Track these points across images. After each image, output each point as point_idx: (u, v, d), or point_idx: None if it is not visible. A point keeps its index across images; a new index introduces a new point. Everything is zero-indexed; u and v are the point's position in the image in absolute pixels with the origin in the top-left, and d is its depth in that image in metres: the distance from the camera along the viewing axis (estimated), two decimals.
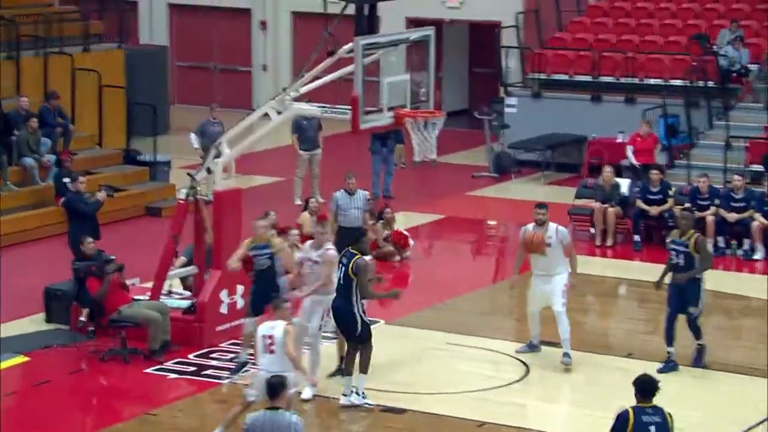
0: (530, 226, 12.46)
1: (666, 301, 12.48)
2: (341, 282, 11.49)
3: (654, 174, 16.74)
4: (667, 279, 12.38)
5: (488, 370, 12.20)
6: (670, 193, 16.59)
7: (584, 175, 19.57)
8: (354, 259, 11.45)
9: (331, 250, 11.90)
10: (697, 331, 12.41)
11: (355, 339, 11.57)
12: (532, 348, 12.73)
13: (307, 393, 11.57)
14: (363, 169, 18.61)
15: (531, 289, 12.58)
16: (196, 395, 11.92)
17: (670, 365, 12.23)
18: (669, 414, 8.34)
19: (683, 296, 12.23)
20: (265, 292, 11.94)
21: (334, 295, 11.63)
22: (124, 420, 11.47)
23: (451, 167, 21.61)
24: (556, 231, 12.39)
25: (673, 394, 10.92)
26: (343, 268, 11.48)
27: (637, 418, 8.28)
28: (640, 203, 16.76)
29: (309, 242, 12.31)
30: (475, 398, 11.73)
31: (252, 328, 11.64)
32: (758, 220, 16.14)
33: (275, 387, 8.35)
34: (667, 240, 12.52)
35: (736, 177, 16.54)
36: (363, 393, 11.46)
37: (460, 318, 14.01)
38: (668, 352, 12.27)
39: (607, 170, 17.34)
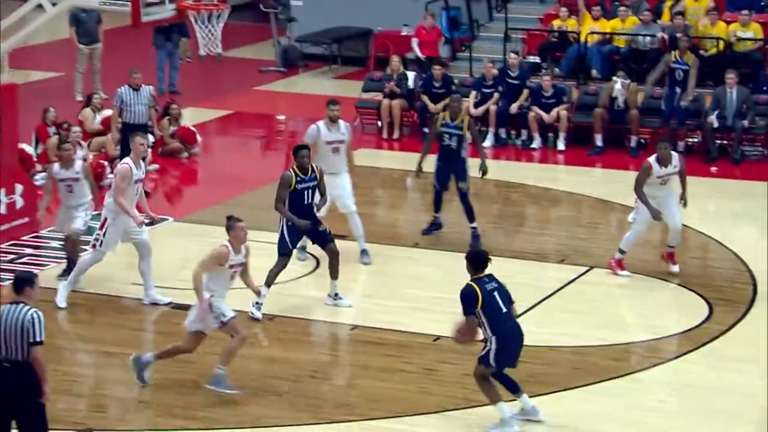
0: (321, 123, 12.42)
1: (434, 178, 12.99)
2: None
3: (436, 69, 16.99)
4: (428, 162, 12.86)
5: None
6: (453, 87, 16.87)
7: (371, 68, 19.67)
8: None
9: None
10: (470, 211, 12.89)
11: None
12: (303, 251, 12.58)
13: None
14: (147, 64, 18.23)
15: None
16: None
17: (434, 227, 13.10)
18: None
19: (451, 173, 12.78)
20: None
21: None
22: None
23: (237, 61, 21.45)
24: (347, 127, 12.45)
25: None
26: None
27: (482, 288, 8.94)
28: (424, 97, 17.01)
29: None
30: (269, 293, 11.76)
31: None
32: (534, 111, 16.64)
33: (20, 282, 8.21)
34: (439, 122, 12.79)
35: (512, 55, 16.99)
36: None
37: (250, 213, 13.82)
38: (434, 216, 13.16)
39: (395, 59, 17.44)
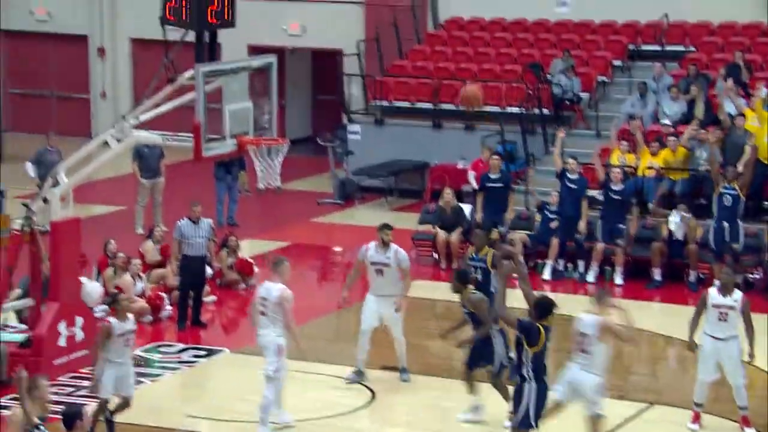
0: (372, 244, 12.48)
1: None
2: None
3: (494, 159, 17.21)
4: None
5: (334, 397, 12.17)
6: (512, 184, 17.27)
7: (427, 200, 19.79)
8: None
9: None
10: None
11: None
12: (360, 376, 12.63)
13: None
14: (207, 197, 18.46)
15: (365, 307, 12.59)
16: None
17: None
18: None
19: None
20: None
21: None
22: None
23: (295, 194, 21.54)
24: (395, 252, 12.52)
25: None
26: None
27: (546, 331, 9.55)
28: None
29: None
30: (320, 425, 11.70)
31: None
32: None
33: (70, 418, 8.11)
34: (466, 257, 12.67)
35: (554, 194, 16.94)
36: None
37: (307, 345, 13.95)
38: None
39: (448, 192, 17.57)
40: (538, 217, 17.36)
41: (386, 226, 12.70)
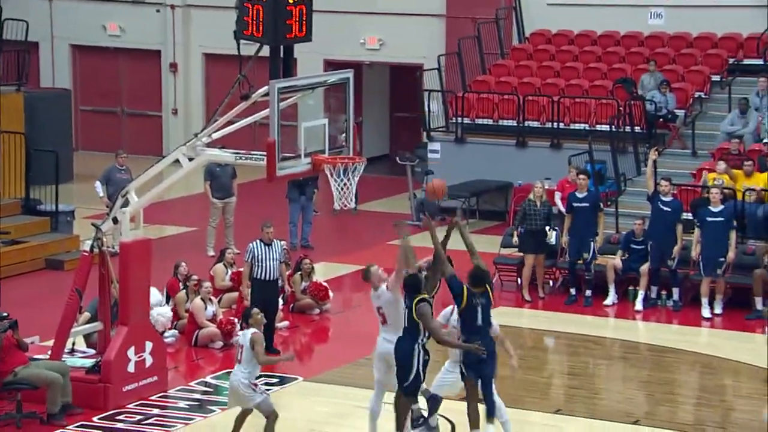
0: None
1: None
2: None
3: (581, 179, 16.37)
4: None
5: (414, 428, 11.51)
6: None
7: (510, 222, 19.10)
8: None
9: None
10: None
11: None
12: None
13: None
14: (280, 217, 18.09)
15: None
16: None
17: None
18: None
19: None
20: None
21: None
22: None
23: (372, 215, 21.19)
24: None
25: None
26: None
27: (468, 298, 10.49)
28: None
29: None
30: None
31: None
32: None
33: None
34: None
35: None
36: None
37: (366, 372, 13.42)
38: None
39: (539, 184, 16.54)
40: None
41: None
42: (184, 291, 14.90)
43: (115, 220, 12.83)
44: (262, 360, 11.23)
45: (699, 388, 13.49)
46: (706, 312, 15.67)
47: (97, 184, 18.55)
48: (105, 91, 26.35)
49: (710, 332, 15.41)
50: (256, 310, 11.61)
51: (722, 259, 15.66)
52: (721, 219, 15.70)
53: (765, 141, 17.78)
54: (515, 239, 16.57)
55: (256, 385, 11.31)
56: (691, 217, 16.58)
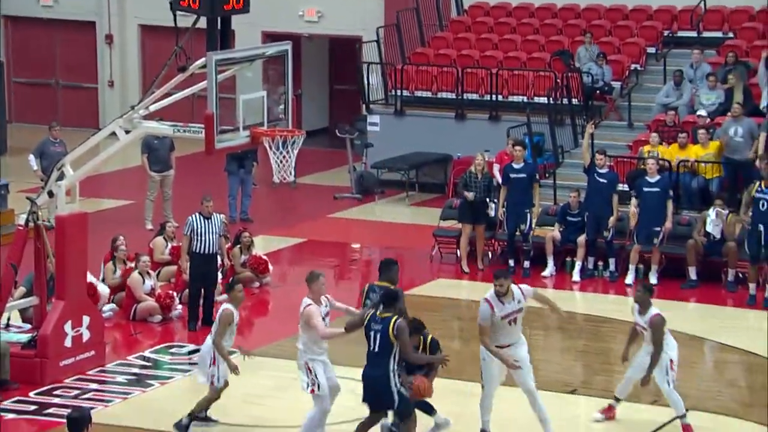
0: (490, 295, 10.81)
1: None
2: (376, 349, 10.19)
3: (517, 150, 16.42)
4: None
5: (351, 401, 11.55)
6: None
7: (449, 195, 19.17)
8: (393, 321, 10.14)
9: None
10: None
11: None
12: None
13: None
14: (219, 190, 17.95)
15: (489, 367, 10.94)
16: None
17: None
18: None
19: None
20: None
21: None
22: None
23: (311, 188, 21.12)
24: (522, 293, 10.88)
25: None
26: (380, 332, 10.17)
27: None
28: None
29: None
30: (335, 431, 11.15)
31: None
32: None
33: (78, 423, 7.61)
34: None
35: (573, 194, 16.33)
36: None
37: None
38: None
39: (480, 157, 16.57)
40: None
41: (498, 275, 10.93)
42: (112, 262, 14.78)
43: (51, 194, 12.73)
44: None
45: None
46: (629, 279, 15.87)
47: (31, 157, 18.34)
48: (39, 63, 25.99)
49: None
50: (239, 286, 11.63)
51: (658, 229, 15.85)
52: (658, 189, 15.88)
53: (699, 113, 17.97)
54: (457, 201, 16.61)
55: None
56: (627, 189, 16.75)
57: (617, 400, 11.61)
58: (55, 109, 25.22)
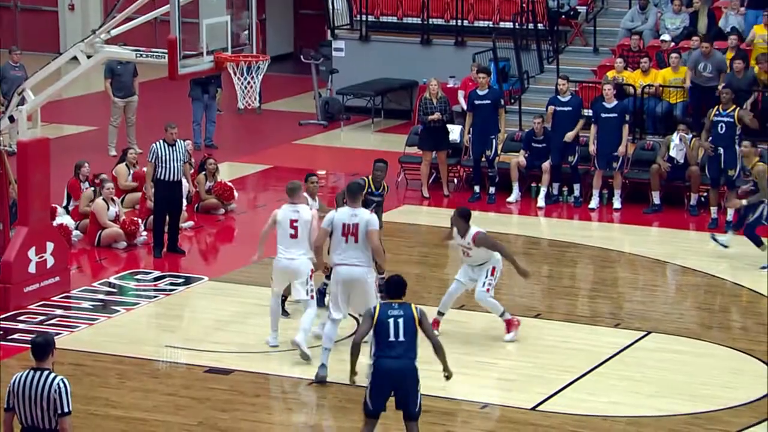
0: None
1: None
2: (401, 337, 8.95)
3: (481, 78, 16.29)
4: None
5: (317, 327, 11.63)
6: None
7: (415, 121, 19.12)
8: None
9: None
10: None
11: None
12: None
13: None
14: (183, 117, 17.84)
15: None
16: (3, 361, 11.07)
17: None
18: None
19: None
20: None
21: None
22: None
23: (276, 114, 21.02)
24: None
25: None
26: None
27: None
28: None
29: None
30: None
31: None
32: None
33: (42, 347, 7.62)
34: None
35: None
36: None
37: None
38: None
39: (434, 82, 16.56)
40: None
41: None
42: (91, 190, 14.71)
43: (12, 119, 12.66)
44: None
45: (597, 281, 13.78)
46: (594, 203, 15.97)
47: None
48: None
49: (609, 226, 15.73)
50: (314, 177, 12.26)
51: (616, 154, 15.92)
52: (614, 115, 15.91)
53: (663, 38, 17.95)
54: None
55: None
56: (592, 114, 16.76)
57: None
58: (13, 33, 24.84)
